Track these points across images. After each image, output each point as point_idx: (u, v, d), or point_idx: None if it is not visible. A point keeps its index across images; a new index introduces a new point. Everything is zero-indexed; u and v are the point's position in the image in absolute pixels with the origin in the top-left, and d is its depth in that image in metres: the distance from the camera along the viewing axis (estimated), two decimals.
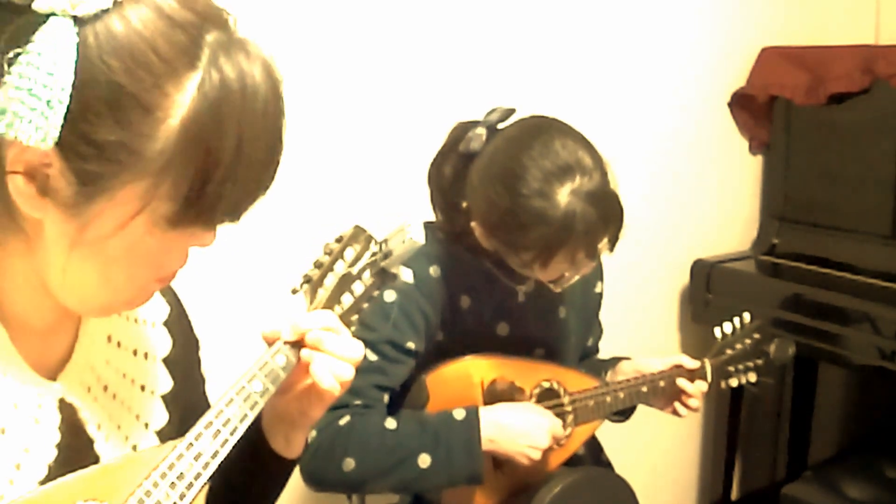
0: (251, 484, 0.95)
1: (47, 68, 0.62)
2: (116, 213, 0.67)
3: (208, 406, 0.97)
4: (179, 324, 0.95)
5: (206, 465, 0.78)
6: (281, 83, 0.71)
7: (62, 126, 0.63)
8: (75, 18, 0.63)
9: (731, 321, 1.67)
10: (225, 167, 0.67)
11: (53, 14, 0.63)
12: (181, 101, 0.65)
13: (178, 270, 0.78)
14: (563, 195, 1.28)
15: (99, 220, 0.68)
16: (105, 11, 0.63)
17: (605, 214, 1.31)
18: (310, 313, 0.87)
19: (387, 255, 0.89)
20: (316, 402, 0.89)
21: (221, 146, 0.66)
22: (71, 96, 0.63)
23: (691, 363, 1.59)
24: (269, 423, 0.93)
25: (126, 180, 0.66)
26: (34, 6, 0.63)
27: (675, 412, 1.60)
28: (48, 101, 0.62)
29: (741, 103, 2.50)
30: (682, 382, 1.57)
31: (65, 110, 0.63)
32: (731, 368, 1.66)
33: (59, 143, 0.64)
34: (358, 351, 0.87)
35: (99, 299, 0.75)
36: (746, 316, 1.68)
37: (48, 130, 0.63)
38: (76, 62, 0.63)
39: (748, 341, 1.66)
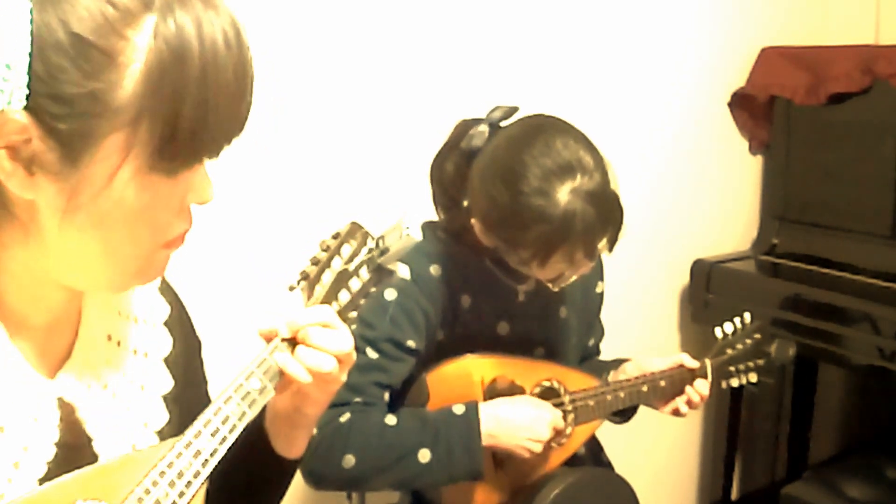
0: (253, 485, 0.95)
1: (1, 31, 0.63)
2: (102, 168, 0.68)
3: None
4: (180, 324, 0.95)
5: (205, 463, 0.78)
6: (238, 21, 0.71)
7: (31, 88, 0.64)
8: None
9: (732, 321, 1.67)
10: (193, 101, 0.67)
11: None
12: (140, 44, 0.66)
13: (184, 233, 0.77)
14: (563, 194, 1.28)
15: (88, 181, 0.68)
16: None
17: (605, 214, 1.31)
18: (306, 309, 0.87)
19: (383, 252, 0.89)
20: (307, 399, 0.89)
21: (185, 81, 0.67)
22: (31, 56, 0.63)
23: (692, 362, 1.59)
24: (269, 423, 0.93)
25: (104, 132, 0.66)
26: None
27: (676, 412, 1.60)
28: (7, 65, 0.63)
29: (741, 103, 2.50)
30: (690, 391, 1.57)
31: (26, 70, 0.63)
32: (732, 368, 1.66)
33: (32, 109, 0.64)
34: (344, 344, 0.86)
35: (106, 272, 0.75)
36: (747, 316, 1.68)
37: (14, 92, 0.63)
38: (31, 21, 0.63)
39: (749, 341, 1.66)
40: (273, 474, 0.96)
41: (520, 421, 1.40)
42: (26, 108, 0.64)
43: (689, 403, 1.59)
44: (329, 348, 0.85)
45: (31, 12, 0.64)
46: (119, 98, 0.66)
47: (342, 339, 0.86)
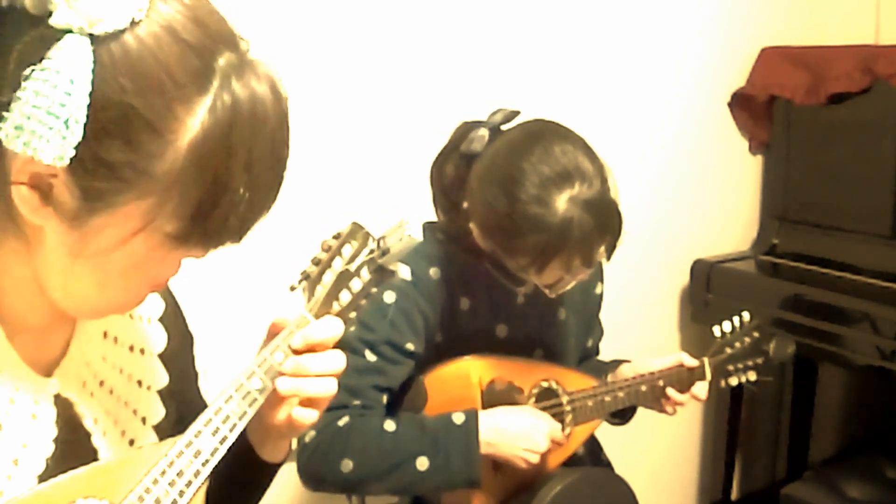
0: (233, 487, 0.94)
1: (65, 87, 0.61)
2: (118, 229, 0.68)
3: (202, 401, 0.97)
4: (174, 320, 0.95)
5: (206, 462, 0.79)
6: (287, 104, 0.71)
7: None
8: (91, 36, 0.62)
9: (731, 320, 1.66)
10: (232, 191, 0.67)
11: (70, 31, 0.62)
12: (191, 125, 0.65)
13: (171, 278, 0.79)
14: (561, 202, 1.27)
15: (100, 234, 0.68)
16: (121, 31, 0.63)
17: (603, 223, 1.30)
18: (319, 325, 0.86)
19: (385, 252, 0.89)
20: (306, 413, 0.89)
21: (230, 170, 0.66)
22: (87, 115, 0.62)
23: (691, 361, 1.59)
24: (253, 430, 0.92)
25: (130, 198, 0.66)
26: (51, 21, 0.62)
27: (674, 410, 1.59)
28: (66, 121, 0.62)
29: (741, 103, 2.50)
30: (671, 392, 1.56)
31: (82, 130, 0.62)
32: (731, 367, 1.65)
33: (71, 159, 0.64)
34: (340, 364, 0.86)
35: (93, 304, 0.76)
36: (746, 315, 1.67)
37: (66, 150, 0.62)
38: (92, 82, 0.62)
39: (748, 340, 1.65)
40: (255, 477, 0.96)
41: (518, 431, 1.40)
42: None
43: (696, 396, 1.59)
44: (331, 370, 0.85)
45: (93, 72, 0.62)
46: (156, 170, 0.65)
47: (338, 360, 0.86)
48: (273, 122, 0.68)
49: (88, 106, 0.62)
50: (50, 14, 0.62)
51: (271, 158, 0.69)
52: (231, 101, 0.66)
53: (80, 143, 0.63)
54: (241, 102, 0.66)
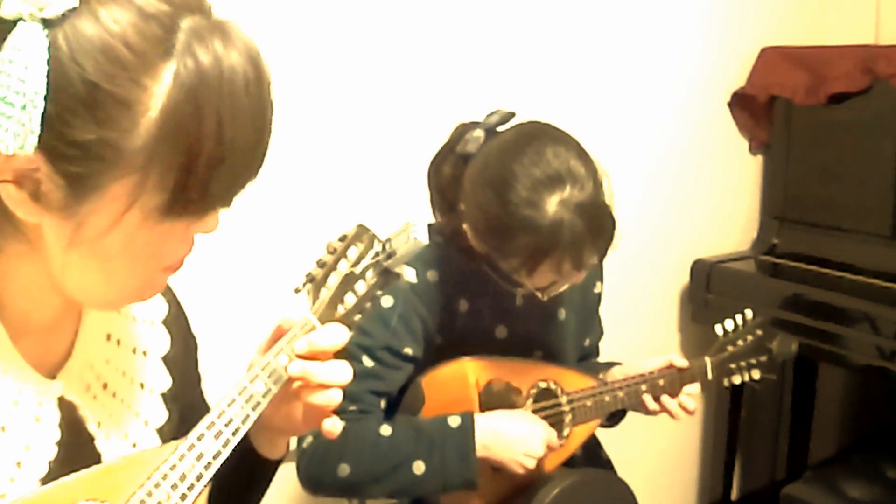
0: (233, 485, 0.93)
1: (18, 74, 0.61)
2: (109, 210, 0.67)
3: (205, 405, 0.97)
4: (178, 323, 0.95)
5: (208, 465, 0.78)
6: (264, 63, 0.70)
7: (42, 130, 0.62)
8: (44, 21, 0.62)
9: (733, 318, 1.65)
10: (208, 154, 0.66)
11: (21, 19, 0.62)
12: (159, 93, 0.64)
13: (184, 257, 0.77)
14: (552, 205, 1.27)
15: (93, 219, 0.67)
16: (73, 11, 0.63)
17: (594, 226, 1.29)
18: (325, 331, 0.86)
19: (390, 255, 0.89)
20: (307, 418, 0.89)
21: (202, 133, 0.65)
22: (46, 99, 0.62)
23: (681, 362, 1.57)
24: (253, 428, 0.92)
25: (113, 177, 0.65)
26: (1, 13, 0.62)
27: (670, 415, 1.59)
28: (23, 107, 0.62)
29: (741, 103, 2.50)
30: (646, 398, 1.54)
31: (41, 115, 0.62)
32: (733, 366, 1.64)
33: (43, 147, 0.63)
34: (347, 374, 0.86)
35: (106, 294, 0.75)
36: (748, 312, 1.66)
37: (26, 137, 0.62)
38: (48, 65, 0.62)
39: (750, 338, 1.64)
40: (255, 474, 0.96)
41: (515, 435, 1.40)
42: (37, 146, 0.63)
43: (686, 408, 1.58)
44: (337, 381, 0.85)
45: (48, 54, 0.62)
46: (131, 144, 0.64)
47: (344, 371, 0.86)
48: (244, 81, 0.67)
49: (49, 89, 0.62)
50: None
51: (247, 120, 0.67)
52: (194, 64, 0.65)
53: (49, 129, 0.62)
54: (206, 65, 0.65)
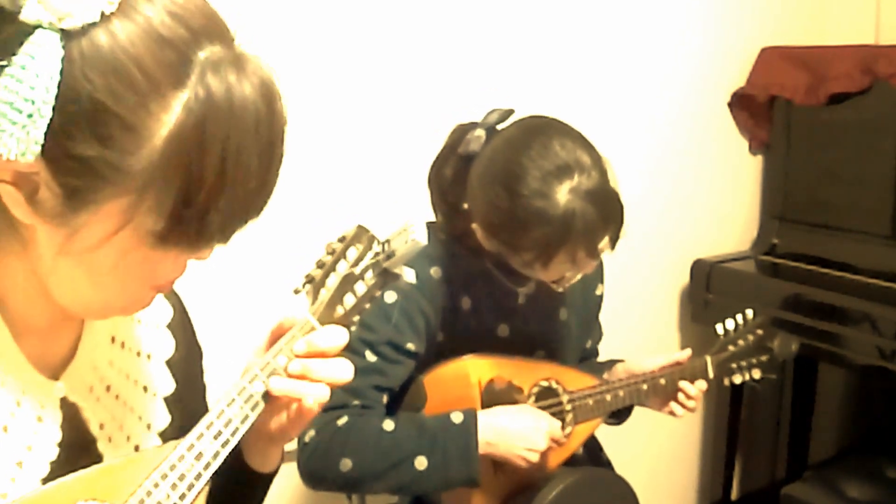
0: (227, 500, 0.93)
1: (30, 82, 0.61)
2: (103, 226, 0.67)
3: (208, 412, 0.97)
4: (182, 328, 0.95)
5: (208, 465, 0.78)
6: (279, 101, 0.69)
7: (46, 139, 0.62)
8: (62, 32, 0.62)
9: (734, 318, 1.65)
10: (209, 186, 0.65)
11: (40, 26, 0.61)
12: (167, 120, 0.63)
13: (174, 280, 0.77)
14: (563, 194, 1.28)
15: (85, 231, 0.67)
16: (92, 25, 0.62)
17: (605, 212, 1.31)
18: (324, 333, 0.85)
19: (390, 256, 0.89)
20: (296, 419, 0.88)
21: (204, 164, 0.64)
22: (54, 109, 0.62)
23: (683, 354, 1.58)
24: (245, 439, 0.90)
25: (110, 194, 0.65)
26: (21, 17, 0.61)
27: (671, 413, 1.59)
28: (29, 115, 0.61)
29: (741, 103, 2.50)
30: (684, 384, 1.57)
31: (46, 125, 0.62)
32: (734, 365, 1.64)
33: (45, 155, 0.63)
34: (348, 373, 0.85)
35: (90, 304, 0.75)
36: (749, 312, 1.66)
37: (28, 144, 0.62)
38: (60, 76, 0.61)
39: (751, 337, 1.64)
40: (247, 488, 0.95)
41: (518, 430, 1.40)
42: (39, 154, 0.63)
43: (685, 406, 1.58)
44: (338, 379, 0.85)
45: (61, 65, 0.61)
46: (131, 166, 0.64)
47: (345, 369, 0.85)
48: (255, 120, 0.66)
49: (57, 101, 0.61)
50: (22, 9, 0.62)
51: (252, 157, 0.67)
52: (205, 95, 0.64)
53: (53, 139, 0.62)
54: (216, 96, 0.64)
